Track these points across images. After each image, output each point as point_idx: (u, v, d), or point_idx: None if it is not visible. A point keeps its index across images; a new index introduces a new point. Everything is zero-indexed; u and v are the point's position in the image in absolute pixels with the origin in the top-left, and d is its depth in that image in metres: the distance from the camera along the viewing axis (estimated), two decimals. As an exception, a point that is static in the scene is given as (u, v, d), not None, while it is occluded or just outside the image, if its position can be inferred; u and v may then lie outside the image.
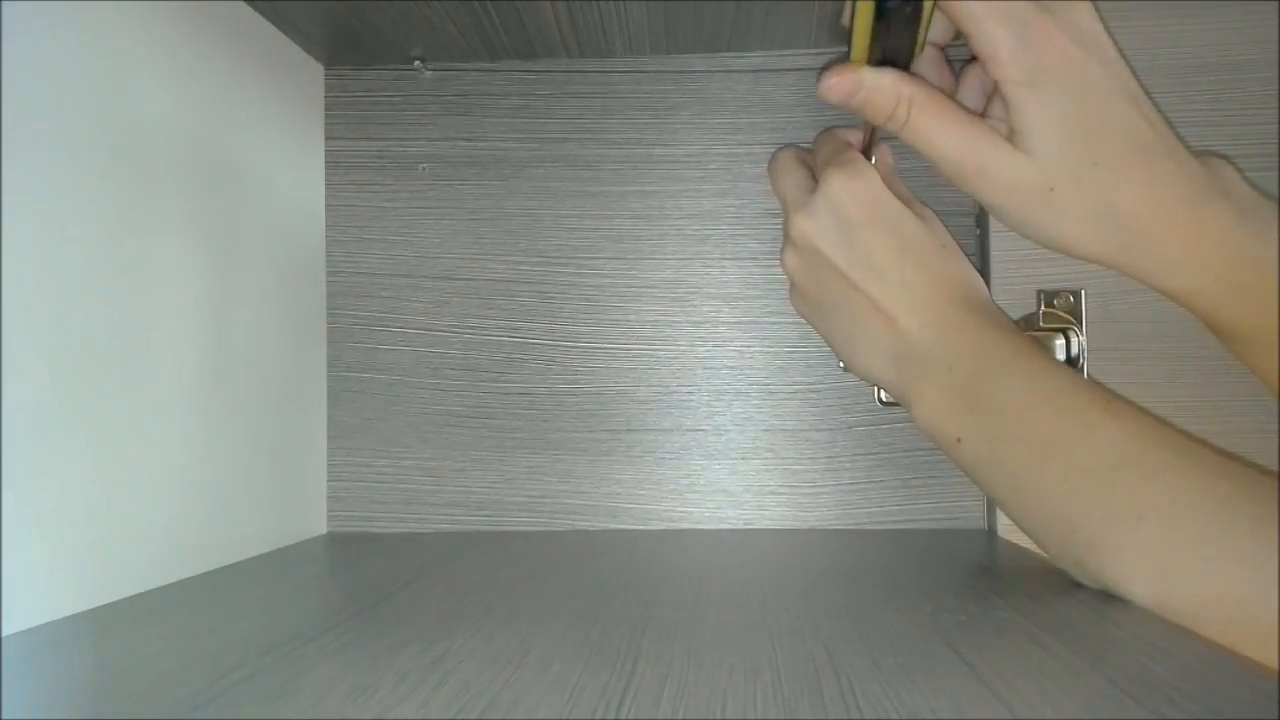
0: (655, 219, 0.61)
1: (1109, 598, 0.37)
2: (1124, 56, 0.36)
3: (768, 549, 0.52)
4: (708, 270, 0.61)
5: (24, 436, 0.35)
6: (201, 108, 0.48)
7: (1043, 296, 0.55)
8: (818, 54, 0.60)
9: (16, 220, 0.35)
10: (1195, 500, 0.35)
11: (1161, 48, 0.55)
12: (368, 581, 0.44)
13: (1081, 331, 0.55)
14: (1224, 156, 0.39)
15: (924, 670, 0.28)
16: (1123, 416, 0.38)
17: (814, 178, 0.44)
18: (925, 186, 0.57)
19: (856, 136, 0.47)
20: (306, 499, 0.59)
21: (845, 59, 0.39)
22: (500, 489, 0.61)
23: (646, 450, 0.60)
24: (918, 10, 0.35)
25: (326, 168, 0.62)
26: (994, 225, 0.56)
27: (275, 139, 0.56)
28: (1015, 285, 0.56)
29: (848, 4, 0.38)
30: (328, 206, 0.62)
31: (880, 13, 0.35)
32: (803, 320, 0.57)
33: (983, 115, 0.39)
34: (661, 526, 0.60)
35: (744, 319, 0.60)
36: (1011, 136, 0.35)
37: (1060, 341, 0.55)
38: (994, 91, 0.38)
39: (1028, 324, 0.56)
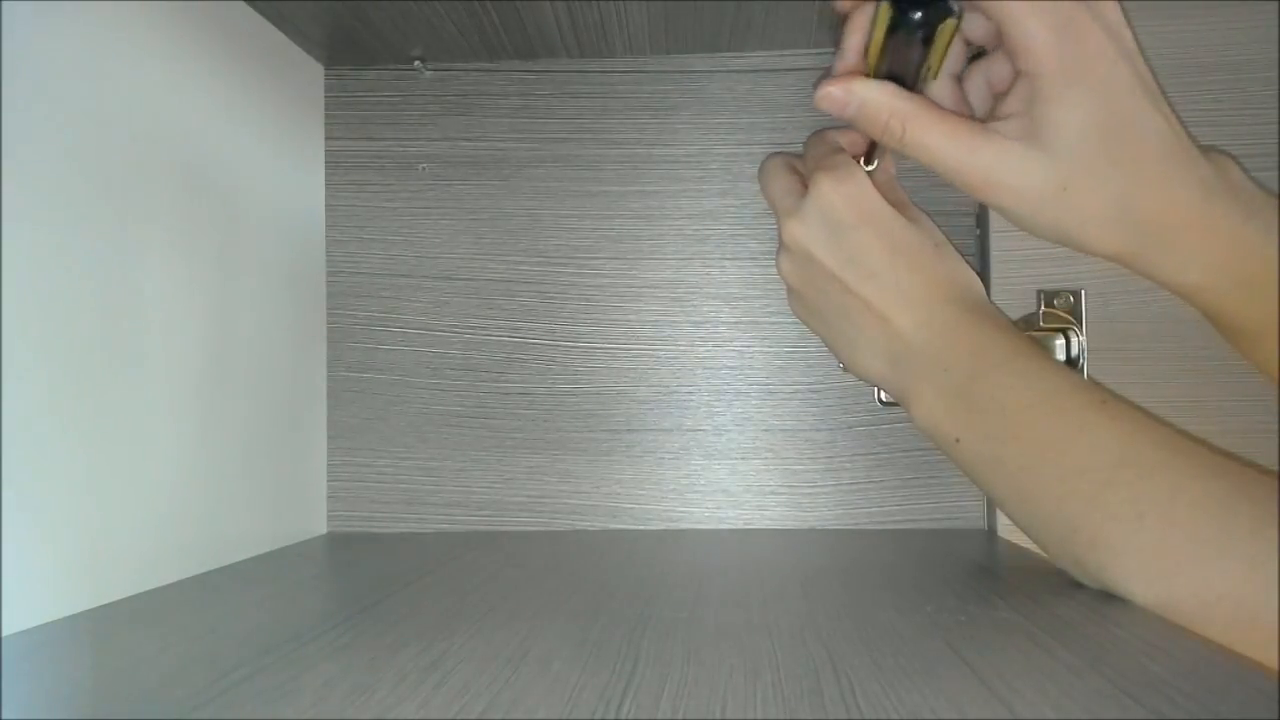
0: (655, 219, 0.61)
1: (1109, 598, 0.37)
2: (1145, 54, 0.36)
3: (768, 549, 0.52)
4: (708, 270, 0.61)
5: (24, 437, 0.35)
6: (201, 108, 0.48)
7: (1043, 296, 0.55)
8: (818, 54, 0.60)
9: (17, 220, 0.35)
10: (1195, 500, 0.35)
11: (1162, 48, 0.55)
12: (368, 581, 0.44)
13: (1081, 331, 0.55)
14: (1227, 153, 0.39)
15: (924, 670, 0.28)
16: (1120, 416, 0.38)
17: (804, 183, 0.45)
18: (926, 186, 0.57)
19: (849, 138, 0.47)
20: (306, 499, 0.59)
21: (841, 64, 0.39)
22: (500, 489, 0.61)
23: (646, 450, 0.60)
24: (931, 33, 0.34)
25: (326, 168, 0.62)
26: (994, 225, 0.56)
27: (275, 139, 0.56)
28: (1015, 285, 0.56)
29: (849, 11, 0.38)
30: (328, 206, 0.62)
31: (893, 27, 0.34)
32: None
33: (991, 114, 0.39)
34: (661, 526, 0.60)
35: (744, 319, 0.60)
36: (1032, 134, 0.35)
37: (1060, 341, 0.55)
38: (1005, 90, 0.38)
39: (1028, 324, 0.56)
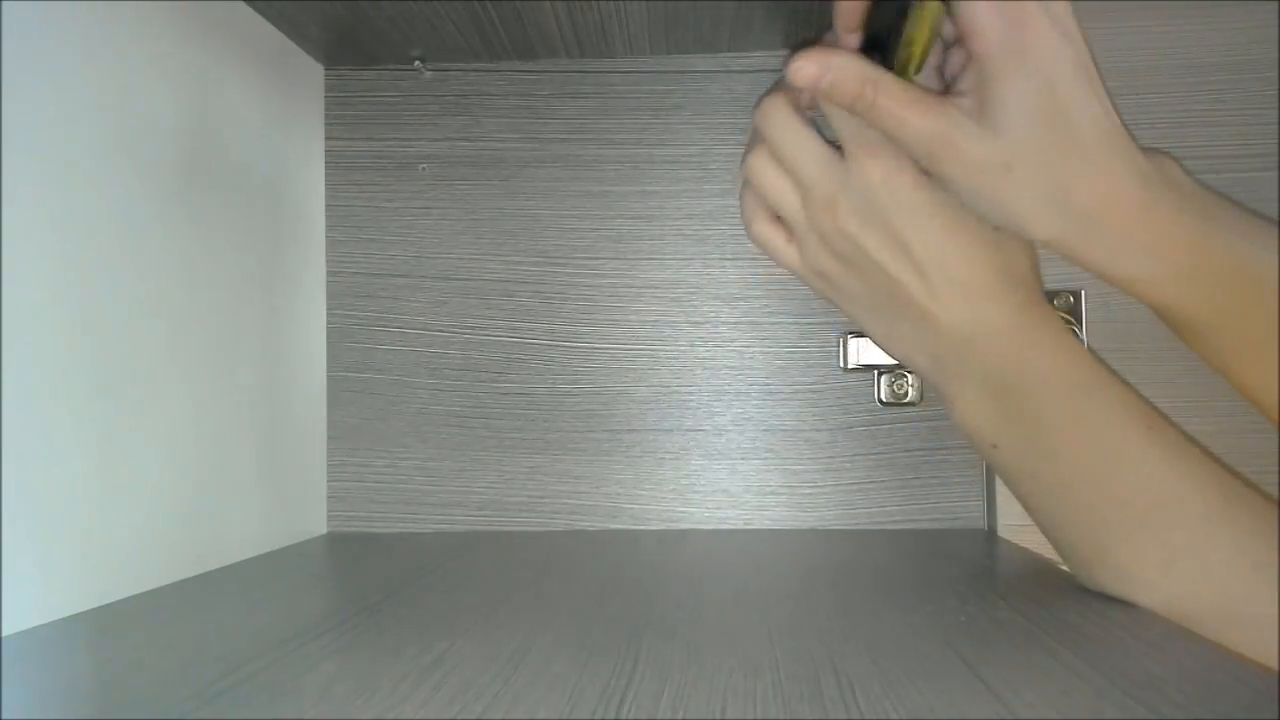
0: (655, 219, 0.61)
1: (1108, 598, 0.37)
2: (1090, 46, 0.37)
3: (768, 549, 0.52)
4: (708, 270, 0.61)
5: (24, 437, 0.35)
6: (201, 108, 0.48)
7: (1043, 296, 0.55)
8: (818, 54, 0.60)
9: (16, 221, 0.35)
10: (1229, 558, 0.35)
11: (1162, 48, 0.55)
12: (368, 581, 0.44)
13: (1081, 331, 0.55)
14: (1167, 152, 0.39)
15: (924, 670, 0.28)
16: (1164, 444, 0.37)
17: (832, 150, 0.41)
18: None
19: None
20: (306, 499, 0.59)
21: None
22: (500, 489, 0.61)
23: (646, 450, 0.60)
24: (905, 9, 0.35)
25: (326, 168, 0.62)
26: (994, 225, 0.56)
27: (275, 139, 0.56)
28: (1015, 285, 0.56)
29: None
30: (328, 206, 0.62)
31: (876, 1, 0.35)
32: (804, 318, 0.57)
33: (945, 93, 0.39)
34: (661, 526, 0.60)
35: (744, 319, 0.60)
36: (979, 111, 0.36)
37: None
38: (960, 71, 0.38)
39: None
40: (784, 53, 0.60)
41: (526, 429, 0.61)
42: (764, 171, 0.42)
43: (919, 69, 0.38)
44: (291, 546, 0.55)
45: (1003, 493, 0.55)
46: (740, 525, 0.60)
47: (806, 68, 0.36)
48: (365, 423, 0.62)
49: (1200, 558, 0.35)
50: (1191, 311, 0.37)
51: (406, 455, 0.61)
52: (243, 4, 0.52)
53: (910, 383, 0.59)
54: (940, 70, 0.41)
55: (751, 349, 0.60)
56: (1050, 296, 0.55)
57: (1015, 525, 0.55)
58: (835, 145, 0.40)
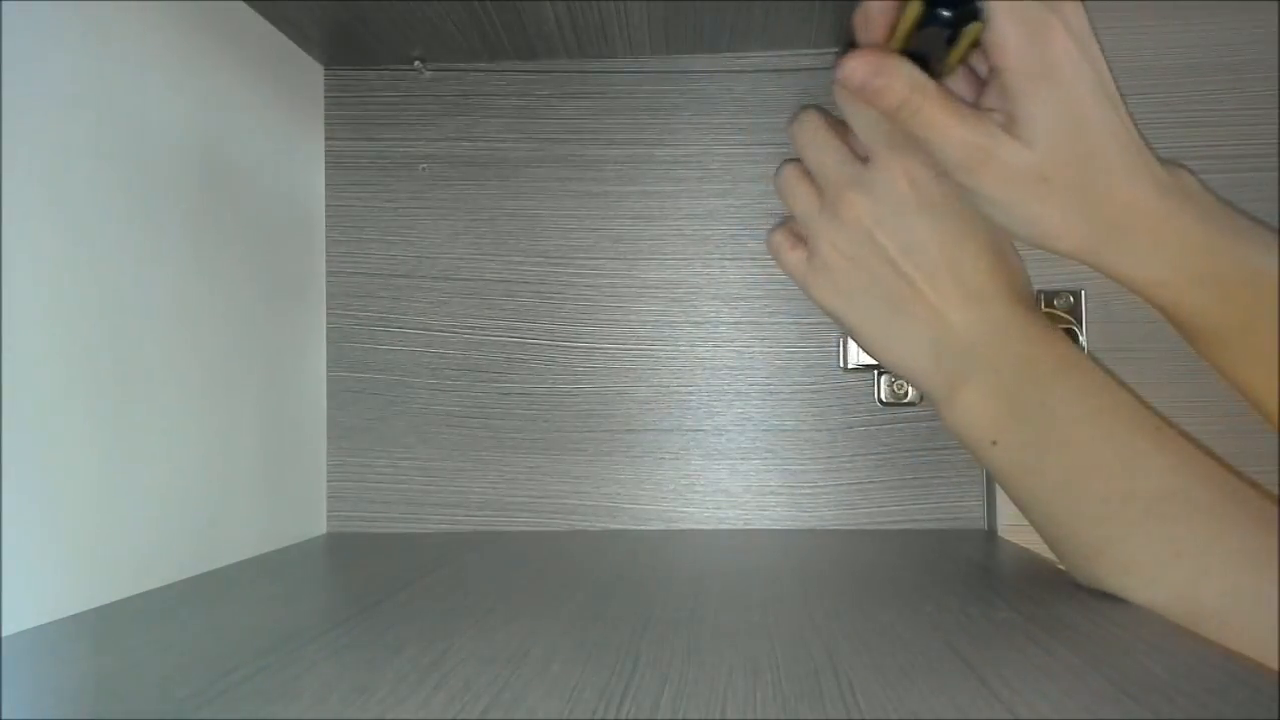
0: (655, 219, 0.61)
1: (1109, 597, 0.37)
2: (1107, 61, 0.37)
3: (768, 549, 0.52)
4: (708, 270, 0.61)
5: (25, 437, 0.35)
6: (201, 108, 0.48)
7: (1043, 296, 0.55)
8: (818, 54, 0.60)
9: (17, 221, 0.35)
10: (1235, 549, 0.35)
11: (1162, 48, 0.55)
12: (368, 581, 0.44)
13: (1082, 331, 0.55)
14: (1184, 164, 0.39)
15: (924, 670, 0.28)
16: (1172, 447, 0.38)
17: (857, 155, 0.42)
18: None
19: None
20: (306, 499, 0.59)
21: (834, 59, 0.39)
22: (500, 489, 0.61)
23: (646, 450, 0.60)
24: (956, 34, 0.36)
25: (326, 168, 0.62)
26: (994, 225, 0.56)
27: (275, 139, 0.56)
28: (1015, 285, 0.56)
29: (870, 6, 0.38)
30: (328, 206, 0.62)
31: (922, 24, 0.36)
32: (804, 318, 0.57)
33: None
34: (661, 526, 0.60)
35: (744, 319, 0.60)
36: (1011, 126, 0.36)
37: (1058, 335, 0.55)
38: (988, 86, 0.38)
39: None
40: (784, 53, 0.60)
41: (526, 429, 0.61)
42: (789, 179, 0.44)
43: (950, 74, 0.39)
44: (291, 546, 0.55)
45: (1003, 493, 0.55)
46: (740, 525, 0.60)
47: (859, 70, 0.37)
48: (365, 423, 0.62)
49: (1205, 552, 0.35)
50: (1206, 317, 0.38)
51: (406, 455, 0.61)
52: (243, 4, 0.52)
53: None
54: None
55: (751, 349, 0.60)
56: (1050, 296, 0.55)
57: (1015, 525, 0.55)
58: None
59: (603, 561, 0.49)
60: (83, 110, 0.39)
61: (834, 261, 0.43)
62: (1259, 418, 0.39)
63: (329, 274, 0.62)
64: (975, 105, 0.39)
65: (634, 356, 0.61)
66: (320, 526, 0.61)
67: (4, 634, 0.34)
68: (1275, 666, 0.32)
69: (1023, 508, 0.42)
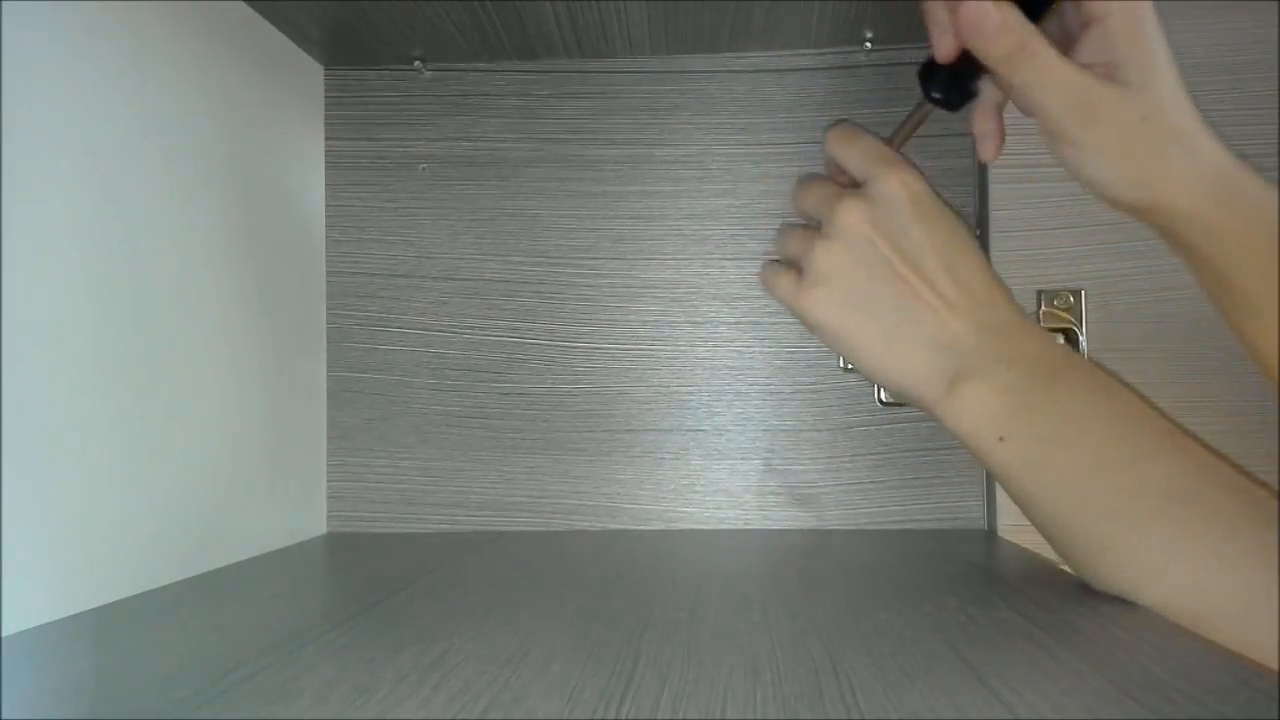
0: (655, 219, 0.61)
1: (1109, 598, 0.37)
2: None
3: (768, 549, 0.52)
4: (708, 270, 0.61)
5: (26, 437, 0.35)
6: (201, 107, 0.48)
7: (1043, 296, 0.55)
8: (818, 54, 0.60)
9: (16, 222, 0.35)
10: (1247, 548, 0.35)
11: (1161, 48, 0.55)
12: (368, 581, 0.44)
13: (1081, 331, 0.55)
14: None
15: (924, 670, 0.28)
16: (1183, 447, 0.38)
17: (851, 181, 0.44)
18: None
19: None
20: (306, 499, 0.59)
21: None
22: (500, 489, 0.61)
23: (646, 450, 0.60)
24: None
25: (326, 168, 0.62)
26: (994, 226, 0.56)
27: (275, 139, 0.56)
28: (1015, 285, 0.56)
29: None
30: (328, 206, 0.62)
31: None
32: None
33: None
34: (661, 526, 0.60)
35: (744, 319, 0.60)
36: (1113, 73, 0.38)
37: (1060, 342, 0.55)
38: (1079, 44, 0.40)
39: (1028, 324, 0.55)
40: (784, 53, 0.60)
41: (526, 429, 0.61)
42: (784, 228, 0.46)
43: None
44: (291, 546, 0.55)
45: (1003, 493, 0.55)
46: (740, 525, 0.60)
47: (990, 12, 0.38)
48: (365, 423, 0.62)
49: (1215, 551, 0.35)
50: (1231, 261, 0.39)
51: (406, 455, 0.61)
52: (243, 4, 0.52)
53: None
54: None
55: (751, 349, 0.60)
56: (1050, 297, 0.55)
57: (1015, 525, 0.55)
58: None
59: (603, 561, 0.49)
60: (80, 110, 0.39)
61: (829, 271, 0.43)
62: (1258, 417, 0.39)
63: (329, 274, 0.62)
64: None
65: (634, 356, 0.61)
66: (320, 526, 0.61)
67: (4, 634, 0.34)
68: (1275, 667, 0.32)
69: (1027, 505, 0.41)
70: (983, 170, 0.57)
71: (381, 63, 0.62)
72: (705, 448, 0.60)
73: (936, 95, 0.42)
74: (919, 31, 0.58)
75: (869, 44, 0.59)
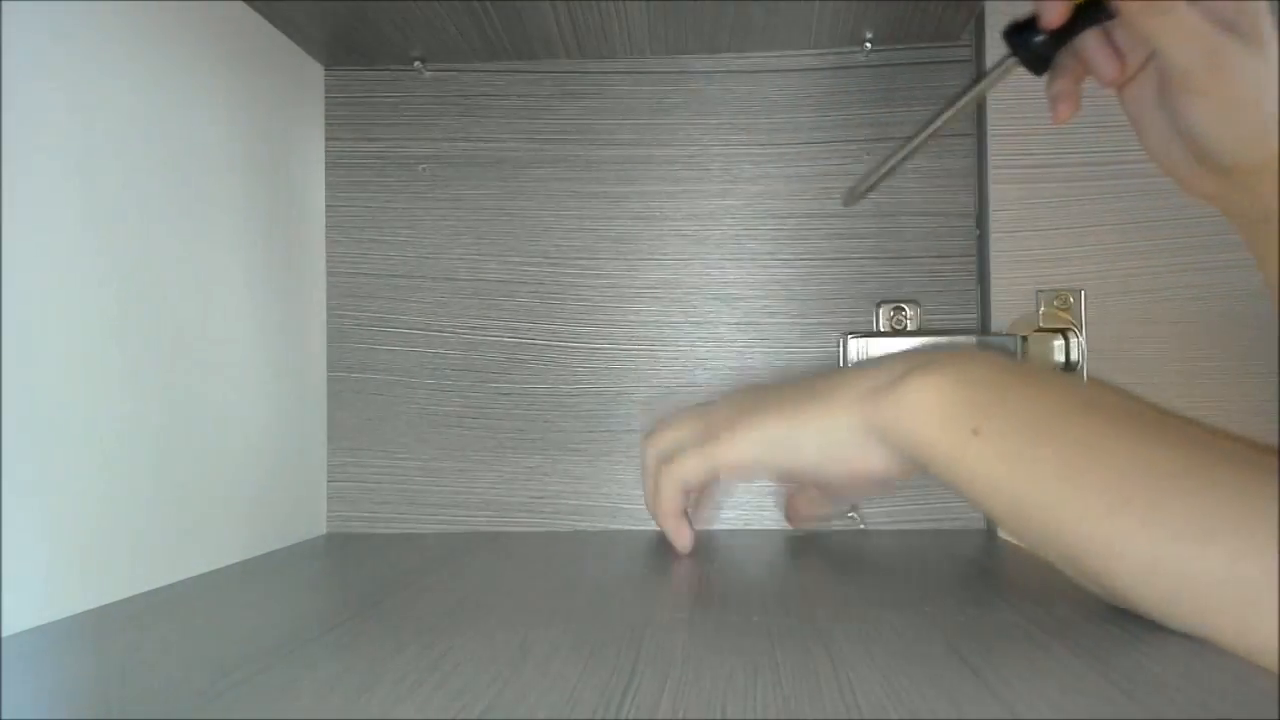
0: (654, 219, 0.61)
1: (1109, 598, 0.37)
2: None
3: (768, 549, 0.52)
4: (707, 271, 0.61)
5: (25, 438, 0.35)
6: (201, 107, 0.48)
7: (1042, 297, 0.55)
8: (818, 54, 0.60)
9: (15, 223, 0.35)
10: (1264, 536, 0.34)
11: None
12: (368, 581, 0.44)
13: (1081, 332, 0.55)
14: None
15: (924, 670, 0.28)
16: (1183, 424, 0.36)
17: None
18: (926, 188, 0.58)
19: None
20: (306, 499, 0.59)
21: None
22: (500, 489, 0.61)
23: (646, 450, 0.60)
24: None
25: (326, 168, 0.62)
26: (994, 226, 0.56)
27: (275, 139, 0.56)
28: (1015, 285, 0.56)
29: None
30: (328, 206, 0.62)
31: None
32: (804, 318, 0.57)
33: None
34: (661, 527, 0.60)
35: (744, 319, 0.60)
36: (1248, 35, 0.38)
37: (1060, 342, 0.55)
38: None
39: (1027, 324, 0.56)
40: (784, 53, 0.60)
41: (526, 429, 0.61)
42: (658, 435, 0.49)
43: None
44: (291, 546, 0.55)
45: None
46: (740, 525, 0.60)
47: None
48: (365, 423, 0.62)
49: (1236, 534, 0.31)
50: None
51: (406, 455, 0.61)
52: (243, 4, 0.52)
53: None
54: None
55: (752, 349, 0.60)
56: (1050, 297, 0.55)
57: (1014, 534, 0.54)
58: None
59: (603, 561, 0.49)
60: (80, 110, 0.39)
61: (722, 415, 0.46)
62: (1258, 417, 0.38)
63: (329, 274, 0.62)
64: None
65: (634, 357, 0.61)
66: (320, 526, 0.61)
67: (4, 634, 0.34)
68: (1275, 667, 0.31)
69: (1008, 508, 0.37)
70: (983, 170, 0.57)
71: (381, 63, 0.62)
72: (705, 448, 0.60)
73: (1027, 54, 0.41)
74: (919, 31, 0.58)
75: (869, 44, 0.59)
